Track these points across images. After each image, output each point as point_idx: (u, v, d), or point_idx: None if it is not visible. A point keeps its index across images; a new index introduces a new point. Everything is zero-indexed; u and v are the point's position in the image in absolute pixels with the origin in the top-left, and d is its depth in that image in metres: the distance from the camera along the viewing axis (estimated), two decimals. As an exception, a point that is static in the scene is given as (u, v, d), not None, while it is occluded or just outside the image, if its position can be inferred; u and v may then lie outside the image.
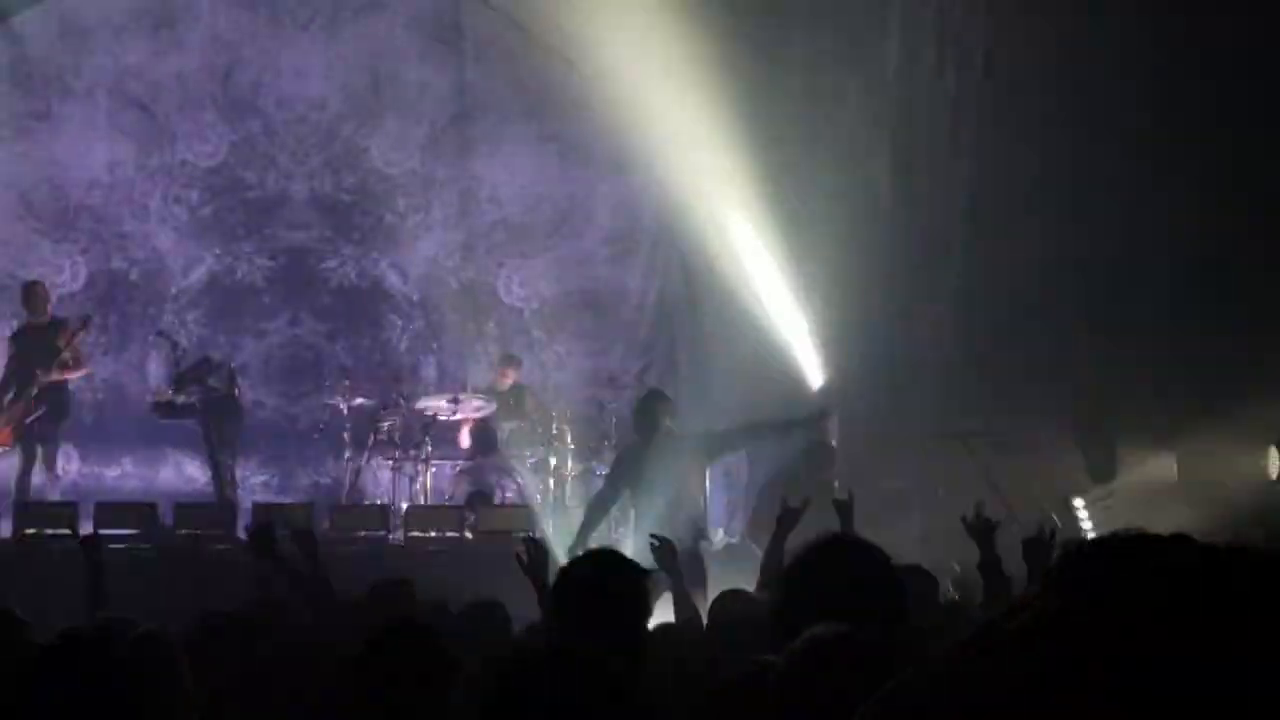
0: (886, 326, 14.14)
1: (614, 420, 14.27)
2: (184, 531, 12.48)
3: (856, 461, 13.89)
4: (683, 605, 6.65)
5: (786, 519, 8.08)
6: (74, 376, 13.71)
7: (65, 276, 15.51)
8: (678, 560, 7.04)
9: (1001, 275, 13.80)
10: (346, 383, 14.31)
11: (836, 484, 9.72)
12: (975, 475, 12.37)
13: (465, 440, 14.41)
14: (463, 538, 13.08)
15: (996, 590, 6.58)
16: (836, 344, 14.73)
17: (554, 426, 14.15)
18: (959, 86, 14.26)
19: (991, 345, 13.49)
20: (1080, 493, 13.68)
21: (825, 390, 13.62)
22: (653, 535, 7.21)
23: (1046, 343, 13.42)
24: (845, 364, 14.61)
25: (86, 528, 11.75)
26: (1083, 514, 13.68)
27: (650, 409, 10.96)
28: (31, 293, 13.82)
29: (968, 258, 14.03)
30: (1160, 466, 13.36)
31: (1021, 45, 13.52)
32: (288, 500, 13.99)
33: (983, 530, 6.85)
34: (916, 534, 12.00)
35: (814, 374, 15.06)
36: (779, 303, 15.11)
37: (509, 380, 14.62)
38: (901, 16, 14.39)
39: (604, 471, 14.22)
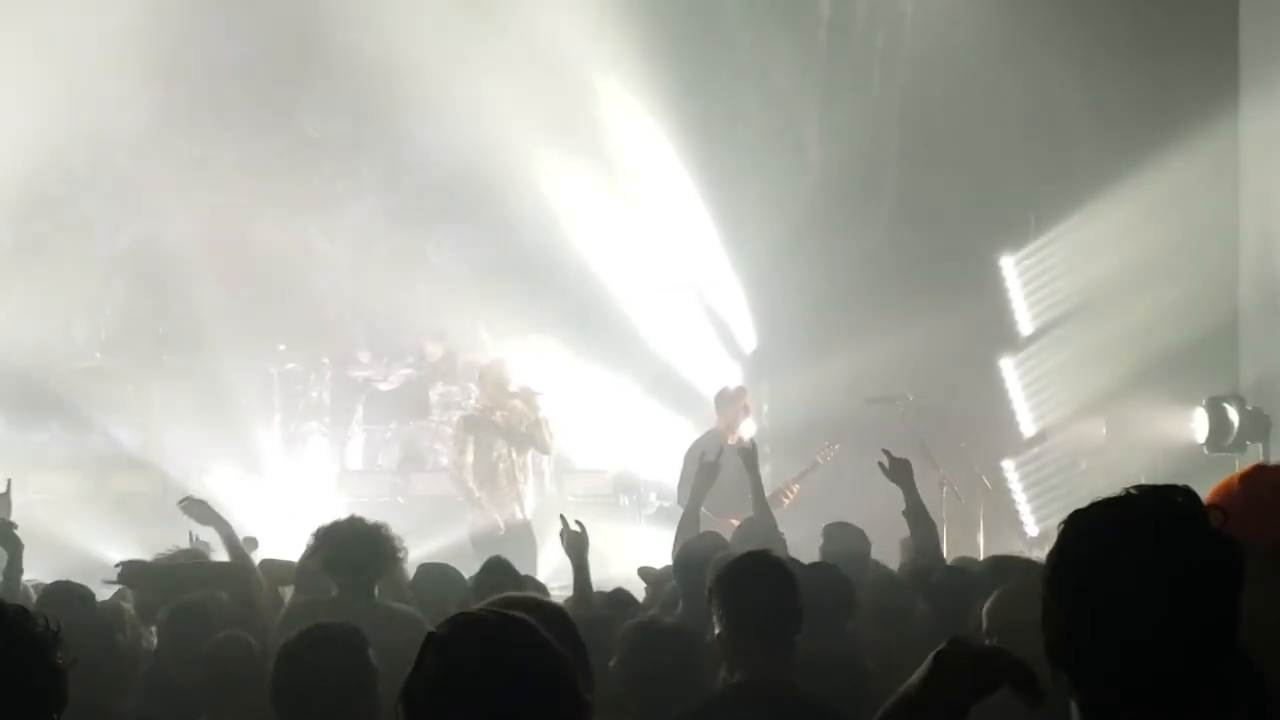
0: (815, 287, 14.24)
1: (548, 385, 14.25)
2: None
3: (788, 426, 14.00)
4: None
5: (702, 474, 8.26)
6: None
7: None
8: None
9: (929, 230, 14.00)
10: (281, 348, 14.22)
11: (748, 440, 9.86)
12: (905, 438, 12.48)
13: (395, 404, 14.38)
14: (394, 502, 13.06)
15: (923, 533, 6.73)
16: (768, 306, 14.84)
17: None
18: (889, 42, 14.38)
19: (920, 305, 13.63)
20: (1010, 454, 13.86)
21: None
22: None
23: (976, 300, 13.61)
24: (776, 329, 14.72)
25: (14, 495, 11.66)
26: (1013, 475, 13.87)
27: None
28: None
29: (896, 213, 14.20)
30: (1088, 429, 13.56)
31: (948, 3, 13.67)
32: (215, 465, 13.88)
33: (901, 473, 6.97)
34: (848, 496, 12.07)
35: (746, 339, 15.17)
36: (711, 268, 15.20)
37: (439, 347, 14.58)
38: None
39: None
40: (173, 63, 15.71)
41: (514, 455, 11.78)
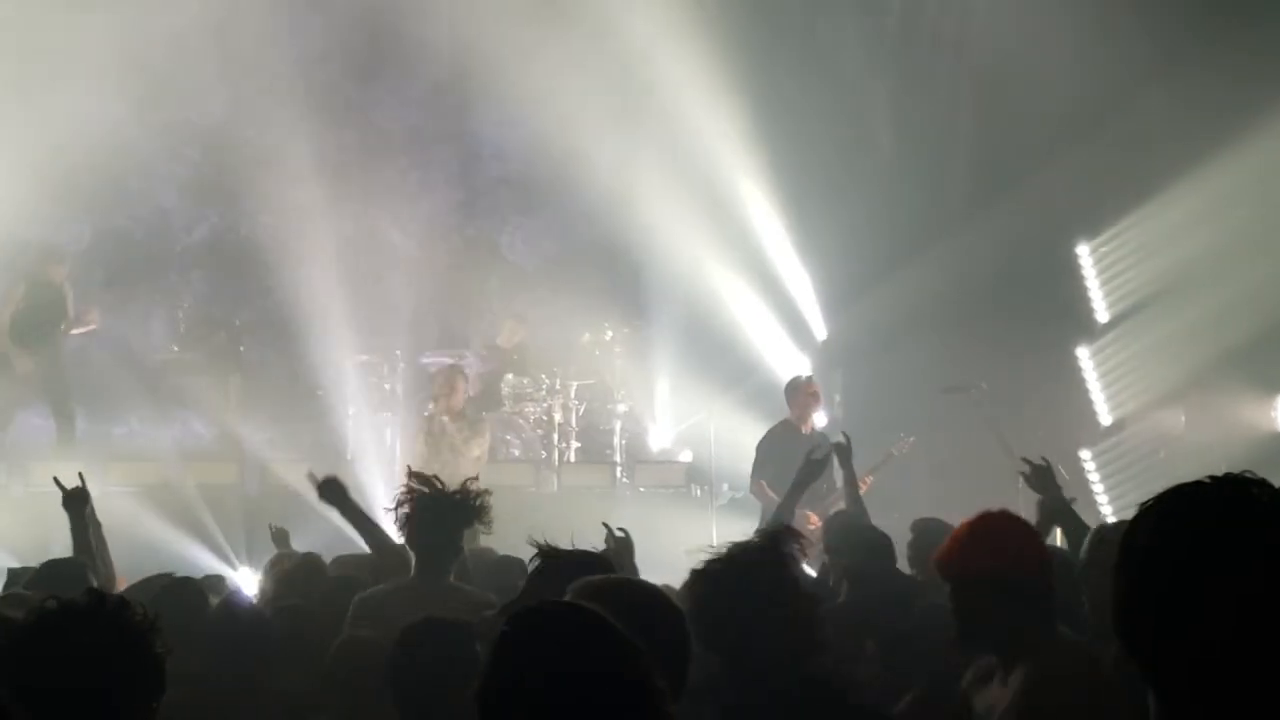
0: (888, 279, 14.17)
1: (618, 376, 14.29)
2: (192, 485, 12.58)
3: (861, 416, 13.93)
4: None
5: (808, 470, 8.13)
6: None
7: (70, 236, 15.48)
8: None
9: (1004, 220, 13.88)
10: (353, 340, 14.31)
11: (842, 435, 9.76)
12: (980, 428, 12.40)
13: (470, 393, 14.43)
14: (468, 492, 13.11)
15: (1075, 531, 6.40)
16: (839, 298, 14.78)
17: (557, 382, 14.16)
18: (961, 33, 14.26)
19: (994, 295, 13.53)
20: (1087, 444, 13.73)
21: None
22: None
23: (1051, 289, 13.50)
24: (848, 318, 14.67)
25: (94, 487, 11.81)
26: (1090, 465, 13.74)
27: None
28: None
29: (970, 204, 14.09)
30: (1167, 417, 13.41)
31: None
32: (292, 457, 13.98)
33: (1044, 479, 6.77)
34: (923, 487, 12.02)
35: (818, 329, 15.13)
36: (782, 259, 15.18)
37: (512, 339, 14.62)
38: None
39: (607, 427, 14.32)
40: (247, 58, 15.82)
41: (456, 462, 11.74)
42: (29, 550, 10.97)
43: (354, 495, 6.76)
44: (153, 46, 15.39)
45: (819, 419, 11.87)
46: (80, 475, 7.11)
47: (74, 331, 13.67)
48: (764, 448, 11.44)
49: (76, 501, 6.91)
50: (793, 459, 9.64)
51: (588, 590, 3.16)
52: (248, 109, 15.86)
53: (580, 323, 16.00)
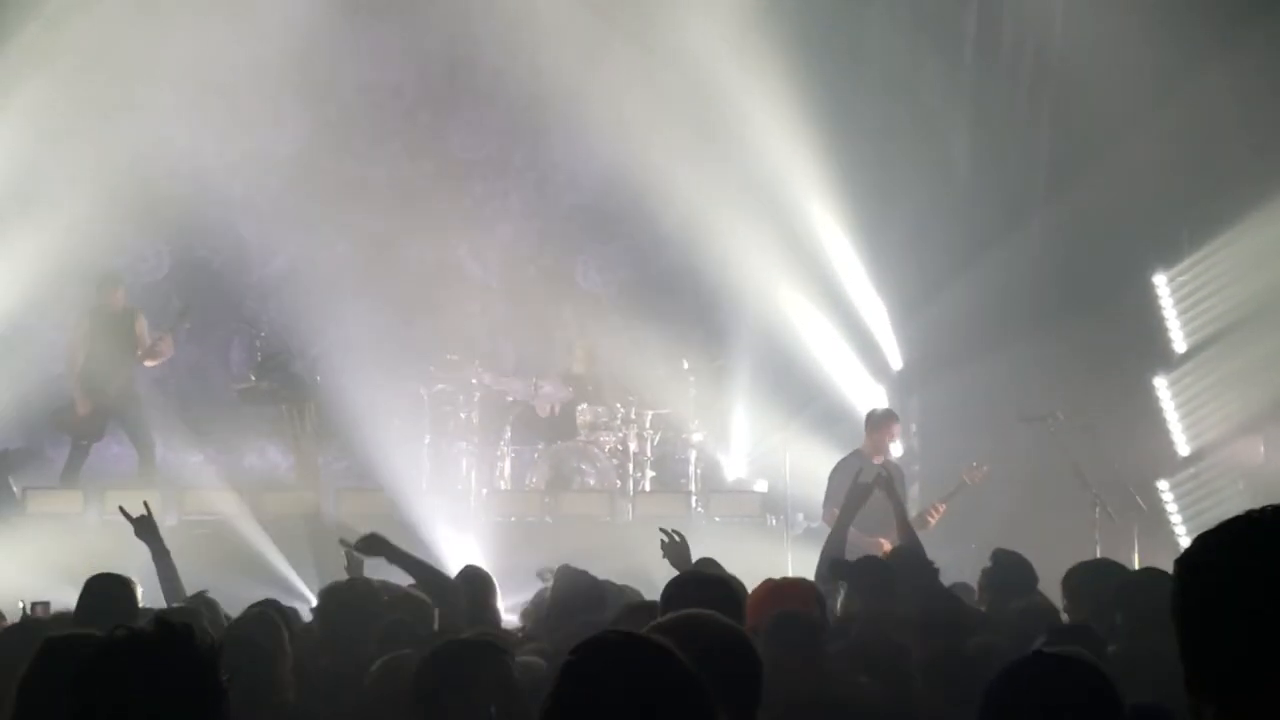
0: (964, 307, 14.08)
1: (693, 406, 14.27)
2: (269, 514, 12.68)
3: (937, 444, 13.85)
4: None
5: (854, 495, 8.13)
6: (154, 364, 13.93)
7: (149, 265, 15.68)
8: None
9: (1080, 247, 13.77)
10: (429, 369, 14.37)
11: (882, 467, 9.72)
12: (1057, 457, 12.29)
13: (543, 425, 14.46)
14: (543, 521, 13.15)
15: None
16: (915, 326, 14.71)
17: (632, 412, 14.16)
18: (1037, 58, 14.17)
19: (1071, 324, 13.41)
20: (1165, 475, 13.57)
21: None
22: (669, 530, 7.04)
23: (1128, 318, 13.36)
24: (923, 346, 14.58)
25: (172, 515, 11.96)
26: (1168, 495, 13.58)
27: None
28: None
29: (1046, 231, 13.98)
30: (1246, 448, 13.24)
31: (1100, 19, 13.44)
32: (368, 486, 14.07)
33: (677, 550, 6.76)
34: (999, 516, 11.92)
35: (893, 358, 15.07)
36: (858, 287, 15.13)
37: (583, 365, 14.65)
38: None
39: (682, 456, 14.30)
40: (325, 88, 15.98)
41: None
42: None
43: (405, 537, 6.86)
44: (234, 76, 15.58)
45: (894, 448, 11.83)
46: (146, 504, 7.21)
47: (148, 363, 13.81)
48: (836, 478, 11.41)
49: (148, 530, 7.01)
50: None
51: (663, 626, 3.16)
52: (326, 138, 15.99)
53: (655, 351, 16.00)
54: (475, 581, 6.88)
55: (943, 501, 11.74)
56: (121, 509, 7.17)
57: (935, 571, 7.35)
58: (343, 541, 7.53)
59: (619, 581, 7.42)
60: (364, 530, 7.26)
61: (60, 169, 15.27)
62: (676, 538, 6.80)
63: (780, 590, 5.51)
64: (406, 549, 7.09)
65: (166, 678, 2.93)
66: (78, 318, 13.99)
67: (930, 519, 11.37)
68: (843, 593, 6.79)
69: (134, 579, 6.17)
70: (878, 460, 11.43)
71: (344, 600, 5.89)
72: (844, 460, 11.67)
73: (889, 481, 8.92)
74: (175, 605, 6.37)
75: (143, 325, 13.88)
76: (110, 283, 13.88)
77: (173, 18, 15.43)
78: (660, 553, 6.87)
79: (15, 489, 13.10)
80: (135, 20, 15.28)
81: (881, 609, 6.24)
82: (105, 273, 14.15)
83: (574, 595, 6.63)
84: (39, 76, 14.94)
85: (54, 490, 13.16)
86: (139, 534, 7.04)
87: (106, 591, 5.96)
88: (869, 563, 7.02)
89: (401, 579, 7.15)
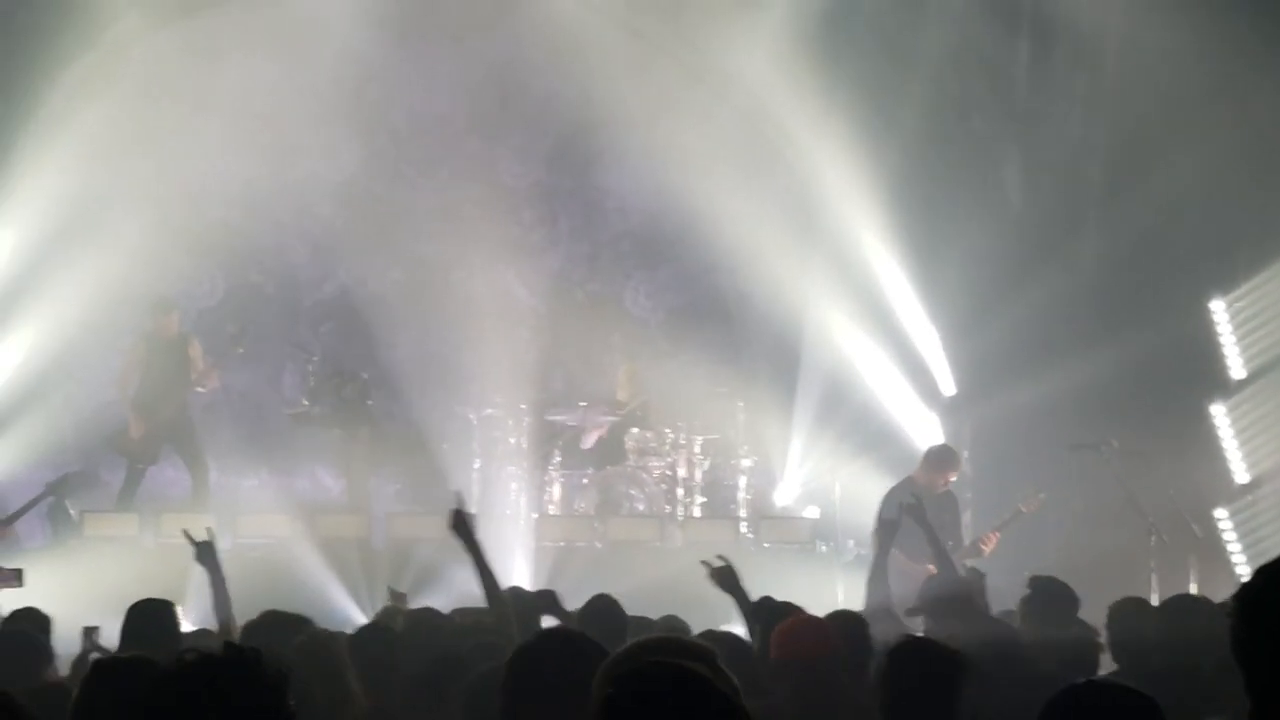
0: (1017, 334, 14.00)
1: (742, 431, 14.24)
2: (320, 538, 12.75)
3: (990, 471, 13.78)
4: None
5: (882, 532, 8.10)
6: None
7: (204, 290, 15.79)
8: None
9: (1135, 271, 13.68)
10: (476, 394, 14.40)
11: (911, 495, 9.66)
12: (1110, 485, 12.20)
13: (591, 448, 14.47)
14: (592, 547, 13.15)
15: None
16: (967, 353, 14.64)
17: (682, 437, 14.14)
18: (1090, 85, 14.10)
19: (1125, 350, 13.31)
20: (1222, 503, 13.44)
21: None
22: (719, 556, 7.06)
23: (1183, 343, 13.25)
24: (976, 373, 14.52)
25: (226, 539, 12.02)
26: (1225, 524, 13.44)
27: None
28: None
29: (1100, 254, 13.90)
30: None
31: (1152, 42, 13.37)
32: (419, 510, 14.11)
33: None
34: (1052, 544, 11.84)
35: (945, 384, 15.00)
36: (909, 313, 15.08)
37: (635, 391, 14.65)
38: (1031, 15, 14.25)
39: (731, 482, 14.27)
40: (376, 116, 16.08)
41: None
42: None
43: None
44: (286, 105, 15.70)
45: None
46: (209, 530, 7.25)
47: (198, 389, 13.92)
48: (885, 507, 11.37)
49: (208, 556, 7.05)
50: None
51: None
52: (377, 165, 16.10)
53: (704, 377, 15.99)
54: (525, 604, 6.87)
55: (996, 530, 11.67)
56: (185, 532, 7.22)
57: (972, 595, 7.30)
58: (391, 590, 7.48)
59: (669, 606, 7.41)
60: (411, 555, 7.25)
61: (116, 196, 15.42)
62: (720, 562, 6.78)
63: (792, 631, 5.58)
64: (455, 572, 7.09)
65: (236, 701, 2.94)
66: (132, 342, 14.11)
67: (984, 547, 11.31)
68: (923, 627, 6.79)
69: (174, 602, 6.18)
70: (936, 491, 11.39)
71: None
72: (895, 488, 11.62)
73: (917, 508, 8.87)
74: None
75: (197, 350, 14.00)
76: (164, 308, 13.99)
77: (227, 48, 15.58)
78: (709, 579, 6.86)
79: (73, 512, 13.21)
80: (191, 51, 15.46)
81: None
82: (159, 298, 14.26)
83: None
84: (96, 105, 15.11)
85: (110, 514, 13.26)
86: (199, 558, 7.08)
87: (149, 615, 5.99)
88: (950, 601, 6.95)
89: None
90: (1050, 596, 7.00)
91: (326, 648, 5.87)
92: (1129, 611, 6.62)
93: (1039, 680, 5.25)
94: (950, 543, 10.23)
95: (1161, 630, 6.31)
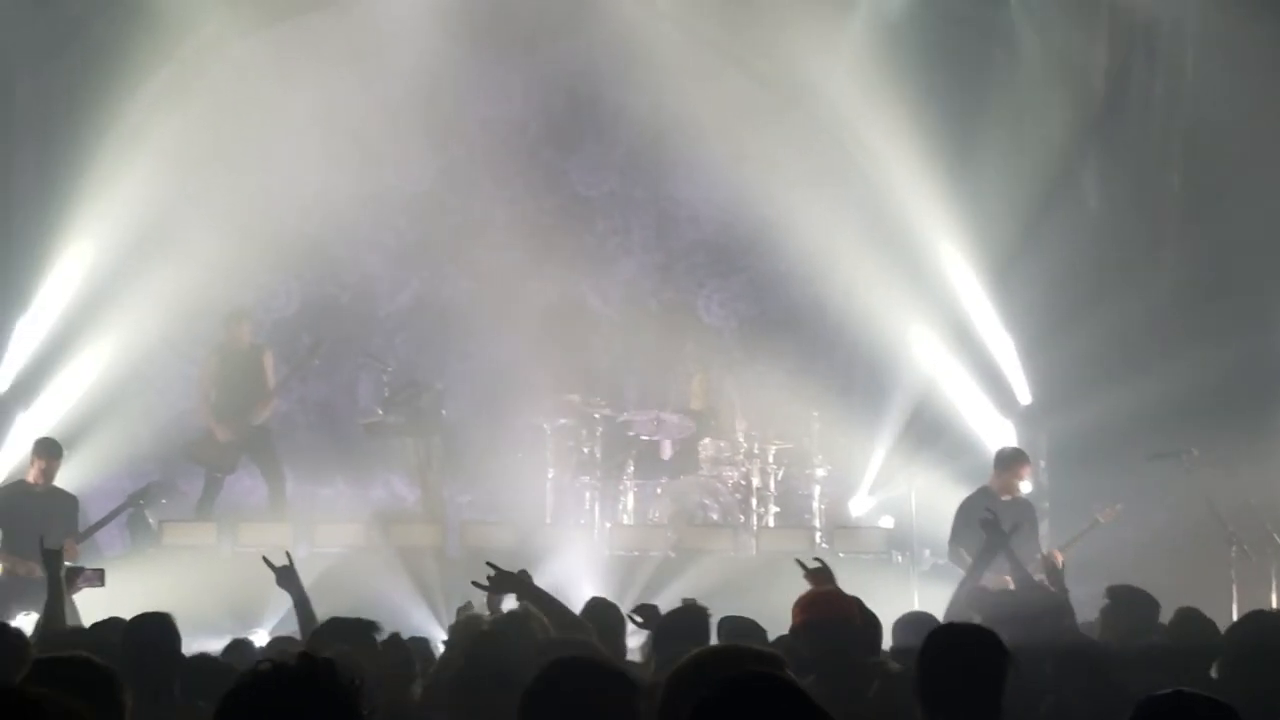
0: (1094, 342, 13.87)
1: (817, 440, 14.20)
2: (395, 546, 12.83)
3: (1067, 480, 13.66)
4: None
5: (993, 541, 8.00)
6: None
7: (280, 301, 15.93)
8: None
9: (1213, 281, 13.51)
10: (549, 403, 14.44)
11: (988, 510, 9.54)
12: (1190, 495, 12.06)
13: (667, 457, 14.47)
14: (666, 556, 13.15)
15: None
16: (1043, 362, 14.53)
17: (755, 446, 14.12)
18: (1168, 90, 13.95)
19: (1203, 358, 13.15)
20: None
21: None
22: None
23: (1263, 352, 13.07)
24: (1052, 382, 14.40)
25: (303, 548, 12.12)
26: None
27: None
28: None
29: (1179, 264, 13.74)
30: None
31: (1233, 46, 13.22)
32: (493, 519, 14.16)
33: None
34: (1130, 554, 11.71)
35: (1021, 393, 14.90)
36: (984, 321, 14.99)
37: (709, 400, 14.64)
38: (1109, 20, 14.12)
39: (806, 491, 14.22)
40: (450, 127, 16.17)
41: None
42: (238, 608, 11.26)
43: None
44: (362, 117, 15.84)
45: (1024, 486, 11.67)
46: (288, 554, 7.32)
47: (264, 411, 13.93)
48: (962, 515, 11.29)
49: (290, 580, 7.12)
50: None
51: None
52: (451, 177, 16.19)
53: (778, 386, 15.97)
54: (603, 614, 6.87)
55: (1073, 542, 11.57)
56: (265, 559, 7.31)
57: (1057, 611, 7.23)
58: (476, 584, 7.52)
59: (743, 615, 7.38)
60: (486, 564, 7.23)
61: (193, 208, 15.60)
62: (816, 563, 6.78)
63: (813, 598, 5.93)
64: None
65: (309, 712, 2.96)
66: (207, 354, 14.24)
67: (1057, 559, 11.19)
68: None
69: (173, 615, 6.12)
70: (1006, 498, 11.29)
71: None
72: (971, 497, 11.55)
73: (992, 523, 8.78)
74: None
75: (270, 361, 14.09)
76: (236, 318, 14.10)
77: (303, 60, 15.72)
78: (785, 586, 6.86)
79: (152, 521, 13.34)
80: (267, 64, 15.61)
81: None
82: (232, 308, 14.38)
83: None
84: (174, 117, 15.29)
85: (189, 523, 13.38)
86: (281, 583, 7.16)
87: (150, 629, 5.96)
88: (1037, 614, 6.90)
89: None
90: (1130, 605, 6.94)
91: (397, 654, 5.91)
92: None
93: (1123, 690, 5.21)
94: (1025, 553, 10.13)
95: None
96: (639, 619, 7.13)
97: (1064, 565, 11.07)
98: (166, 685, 5.60)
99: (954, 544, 11.33)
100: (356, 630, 5.91)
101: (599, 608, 7.09)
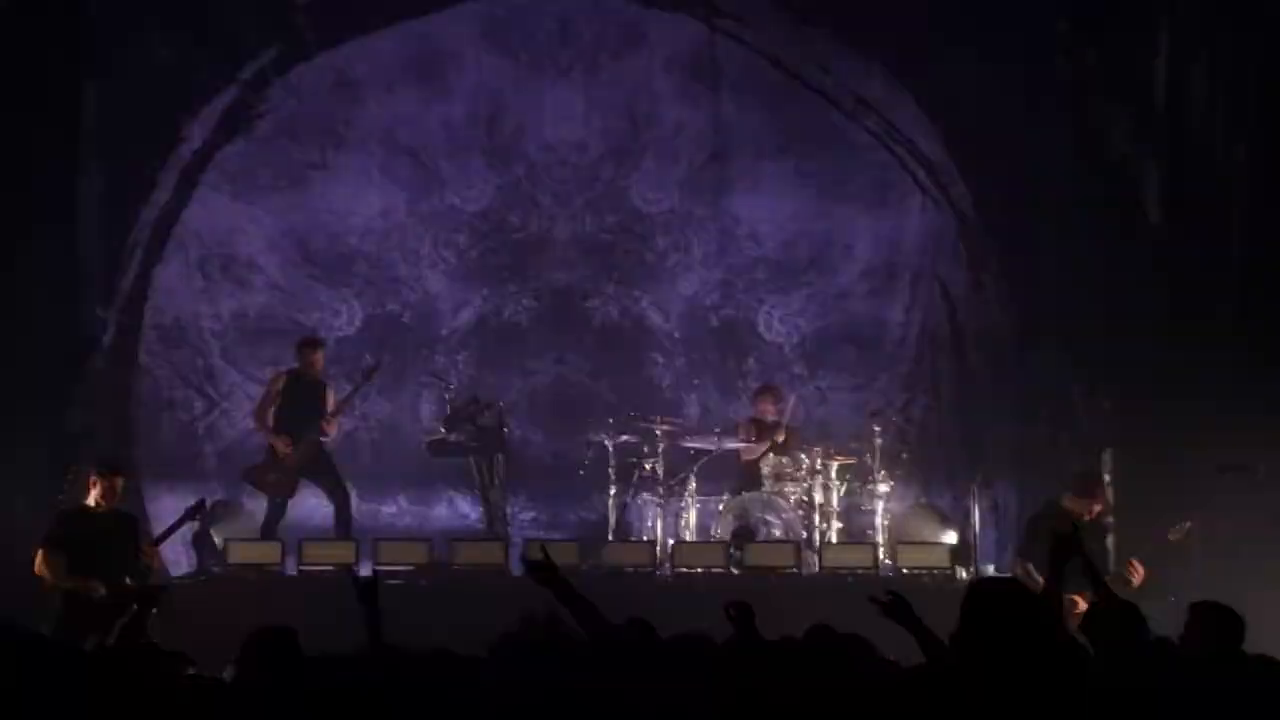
0: (1161, 355, 13.74)
1: (879, 456, 14.12)
2: (458, 565, 12.85)
3: (1132, 495, 13.51)
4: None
5: (1059, 550, 7.87)
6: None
7: (341, 320, 16.02)
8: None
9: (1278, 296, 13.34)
10: (611, 420, 14.44)
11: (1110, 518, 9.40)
12: (1259, 508, 11.92)
13: (729, 474, 14.44)
14: (729, 573, 13.11)
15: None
16: (1109, 375, 14.39)
17: (818, 462, 14.07)
18: (1230, 106, 13.80)
19: (1273, 367, 12.98)
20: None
21: None
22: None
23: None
24: (1119, 394, 14.27)
25: (366, 566, 12.16)
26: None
27: None
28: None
29: (1244, 280, 13.57)
30: None
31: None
32: (556, 536, 14.17)
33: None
34: (1199, 569, 11.56)
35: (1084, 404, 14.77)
36: (1046, 334, 14.88)
37: (771, 416, 14.60)
38: (1170, 30, 13.99)
39: (869, 507, 14.14)
40: (509, 144, 16.23)
41: None
42: (300, 627, 11.30)
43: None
44: (422, 137, 15.94)
45: (1096, 508, 11.52)
46: (374, 572, 7.35)
47: (329, 430, 13.97)
48: (1033, 527, 11.16)
49: (371, 595, 7.13)
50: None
51: None
52: (512, 195, 16.24)
53: (839, 402, 15.92)
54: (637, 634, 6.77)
55: (1141, 559, 11.40)
56: (350, 572, 7.34)
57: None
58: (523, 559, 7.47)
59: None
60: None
61: (256, 228, 15.73)
62: (888, 598, 6.61)
63: None
64: (592, 599, 7.06)
65: None
66: (274, 374, 14.31)
67: (1132, 577, 10.99)
68: None
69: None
70: (1086, 518, 11.15)
71: None
72: (1038, 513, 11.46)
73: (1069, 537, 8.62)
74: None
75: (332, 393, 14.09)
76: (310, 347, 14.14)
77: (363, 82, 15.84)
78: (845, 602, 6.77)
79: (217, 540, 13.43)
80: (328, 85, 15.73)
81: None
82: (306, 336, 14.46)
83: None
84: (236, 140, 15.44)
85: (254, 541, 13.44)
86: (362, 598, 7.17)
87: (268, 644, 5.97)
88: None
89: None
90: (1213, 622, 6.79)
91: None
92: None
93: (1208, 708, 5.13)
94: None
95: None
96: (732, 612, 7.12)
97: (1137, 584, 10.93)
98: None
99: (1020, 559, 11.21)
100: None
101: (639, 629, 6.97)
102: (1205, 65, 13.86)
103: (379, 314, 16.13)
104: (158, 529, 11.91)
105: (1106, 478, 13.74)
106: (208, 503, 12.40)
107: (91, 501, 11.07)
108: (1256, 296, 13.34)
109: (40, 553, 10.88)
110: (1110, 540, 12.53)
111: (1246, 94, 13.55)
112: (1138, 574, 11.03)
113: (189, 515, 11.36)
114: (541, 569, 6.70)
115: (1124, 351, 14.03)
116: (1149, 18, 14.02)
